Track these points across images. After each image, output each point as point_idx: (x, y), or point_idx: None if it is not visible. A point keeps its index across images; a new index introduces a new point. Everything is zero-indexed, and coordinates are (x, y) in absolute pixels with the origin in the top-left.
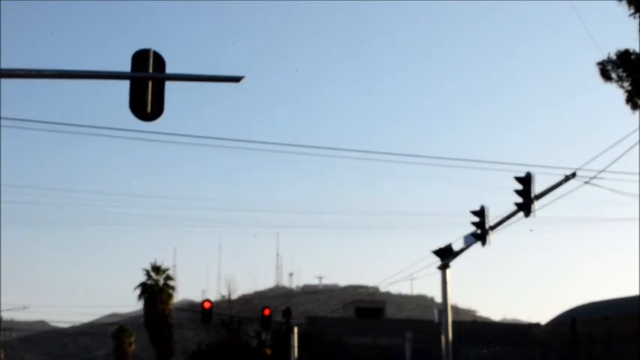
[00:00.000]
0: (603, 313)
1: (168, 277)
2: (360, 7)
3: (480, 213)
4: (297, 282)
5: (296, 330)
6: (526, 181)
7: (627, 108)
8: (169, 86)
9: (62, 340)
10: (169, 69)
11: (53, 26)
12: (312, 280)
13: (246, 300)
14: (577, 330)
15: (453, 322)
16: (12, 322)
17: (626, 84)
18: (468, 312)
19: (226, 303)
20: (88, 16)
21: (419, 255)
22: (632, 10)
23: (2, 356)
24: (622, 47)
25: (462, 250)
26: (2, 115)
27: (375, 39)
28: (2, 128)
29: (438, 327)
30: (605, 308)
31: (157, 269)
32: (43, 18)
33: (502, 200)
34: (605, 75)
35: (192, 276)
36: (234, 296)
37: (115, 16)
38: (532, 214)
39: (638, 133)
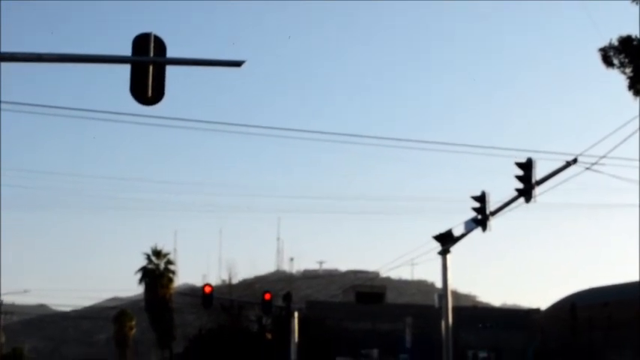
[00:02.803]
0: (603, 298)
1: (169, 262)
2: None
3: (481, 198)
4: (297, 267)
5: (296, 315)
6: (527, 166)
7: (629, 94)
8: (172, 71)
9: (63, 324)
10: (170, 54)
11: (54, 12)
12: (312, 265)
13: (247, 284)
14: (577, 315)
15: (454, 308)
16: (13, 305)
17: (628, 70)
18: (469, 297)
19: (227, 287)
20: (89, 1)
21: (419, 240)
22: None
23: (3, 340)
24: (624, 33)
25: (462, 236)
26: (1, 99)
27: (383, 24)
28: (4, 113)
29: (439, 312)
30: (605, 294)
31: (157, 253)
32: (44, 3)
33: (503, 186)
34: (607, 61)
35: (193, 260)
36: (234, 281)
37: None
38: (533, 199)
39: (639, 119)
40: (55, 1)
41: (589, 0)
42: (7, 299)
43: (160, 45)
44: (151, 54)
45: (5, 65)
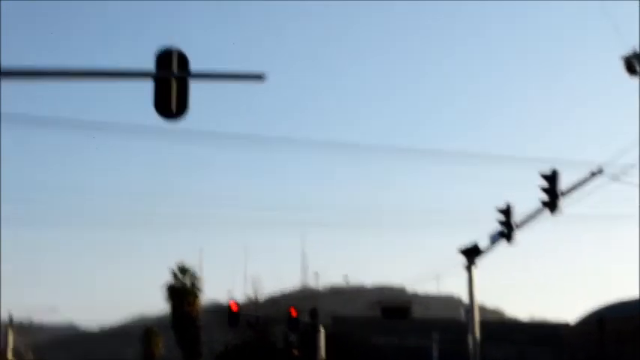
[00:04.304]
0: (632, 311)
1: (195, 278)
2: (387, 3)
3: (506, 211)
4: (323, 282)
5: (322, 330)
6: (551, 178)
7: None
8: (195, 84)
9: (91, 343)
10: (193, 68)
11: (71, 24)
12: (338, 280)
13: (273, 300)
14: (605, 329)
15: (480, 322)
16: (41, 324)
17: None
18: (495, 311)
19: (252, 304)
20: (107, 13)
21: (445, 254)
22: None
23: (32, 358)
24: None
25: (488, 249)
26: (20, 114)
27: (402, 34)
28: (28, 128)
29: (465, 326)
30: (634, 306)
31: (183, 270)
32: (61, 15)
33: (528, 197)
34: (631, 69)
35: (219, 276)
36: (260, 297)
37: (133, 13)
38: (558, 211)
39: None
40: (67, 15)
41: (612, 8)
42: (35, 318)
43: (183, 59)
44: (174, 69)
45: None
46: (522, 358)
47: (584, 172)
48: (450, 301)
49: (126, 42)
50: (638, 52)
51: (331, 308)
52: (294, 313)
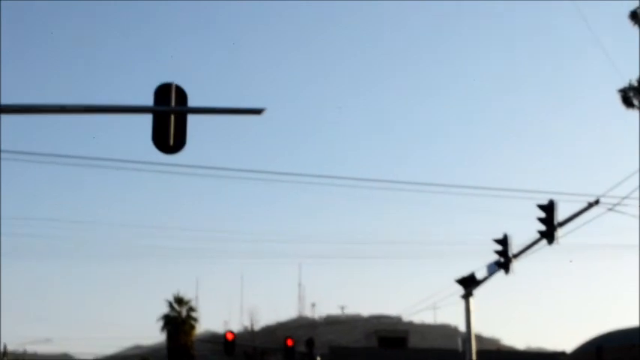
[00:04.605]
0: (630, 340)
1: (191, 309)
2: (384, 35)
3: (503, 241)
4: (319, 312)
5: None
6: (549, 208)
7: None
8: (192, 118)
9: None
10: (191, 102)
11: (70, 59)
12: (334, 310)
13: (269, 331)
14: (603, 358)
15: (477, 351)
16: (35, 355)
17: None
18: (492, 341)
19: (249, 334)
20: (106, 50)
21: (442, 284)
22: None
23: None
24: None
25: (485, 279)
26: (20, 150)
27: (398, 68)
28: (26, 162)
29: (462, 356)
30: (631, 335)
31: (179, 301)
32: (58, 50)
33: (525, 228)
34: (627, 102)
35: (215, 307)
36: (256, 327)
37: (131, 48)
38: (555, 241)
39: None
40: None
41: (608, 41)
42: (30, 348)
43: (182, 94)
44: (173, 103)
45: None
46: None
47: (581, 204)
48: (447, 331)
49: (125, 79)
50: (634, 85)
51: (328, 338)
52: (290, 343)
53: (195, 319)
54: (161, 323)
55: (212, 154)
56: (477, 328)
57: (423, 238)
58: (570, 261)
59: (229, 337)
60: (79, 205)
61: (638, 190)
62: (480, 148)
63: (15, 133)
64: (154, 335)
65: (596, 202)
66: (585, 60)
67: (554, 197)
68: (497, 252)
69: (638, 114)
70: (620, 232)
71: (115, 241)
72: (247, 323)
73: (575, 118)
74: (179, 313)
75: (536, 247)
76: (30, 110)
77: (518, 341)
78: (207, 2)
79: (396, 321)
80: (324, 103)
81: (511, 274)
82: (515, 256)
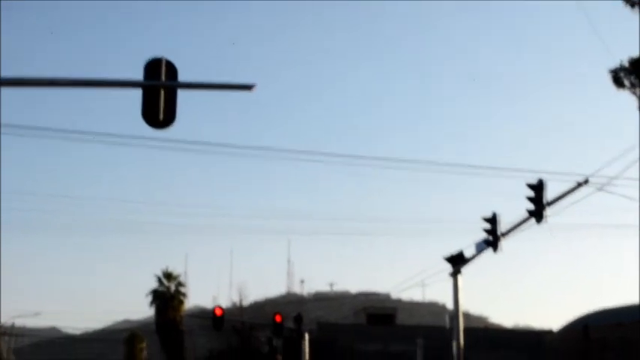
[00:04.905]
0: (616, 319)
1: (180, 284)
2: (373, 12)
3: (492, 220)
4: (308, 288)
5: (307, 336)
6: (538, 187)
7: (639, 114)
8: (182, 93)
9: (74, 347)
10: (181, 77)
11: (61, 34)
12: (323, 287)
13: (258, 306)
14: (590, 337)
15: (465, 329)
16: (23, 328)
17: (638, 91)
18: (480, 318)
19: (237, 309)
20: (97, 23)
21: (430, 261)
22: None
23: None
24: (635, 54)
25: (473, 257)
26: (17, 123)
27: (392, 46)
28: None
29: (450, 333)
30: (618, 314)
31: (168, 276)
32: (51, 25)
33: (514, 207)
34: (618, 82)
35: (204, 282)
36: (245, 303)
37: (123, 23)
38: (544, 220)
39: None
40: (62, 24)
41: (600, 21)
42: (18, 322)
43: (172, 69)
44: (163, 78)
45: (15, 89)
46: None
47: (570, 184)
48: (435, 308)
49: (116, 53)
50: (625, 66)
51: (316, 314)
52: (278, 319)
53: (184, 295)
54: (150, 298)
55: (202, 129)
56: (465, 305)
57: (413, 216)
58: (552, 235)
59: (218, 312)
60: (68, 180)
61: (626, 171)
62: (469, 127)
63: (3, 107)
64: (143, 310)
65: (586, 181)
66: (577, 41)
67: (544, 176)
68: (486, 230)
69: (628, 94)
70: (609, 212)
71: (104, 216)
72: (236, 299)
73: (566, 97)
74: (168, 288)
75: (524, 226)
76: (19, 83)
77: (505, 319)
78: None
79: (385, 298)
80: (315, 80)
81: (499, 253)
82: (504, 234)
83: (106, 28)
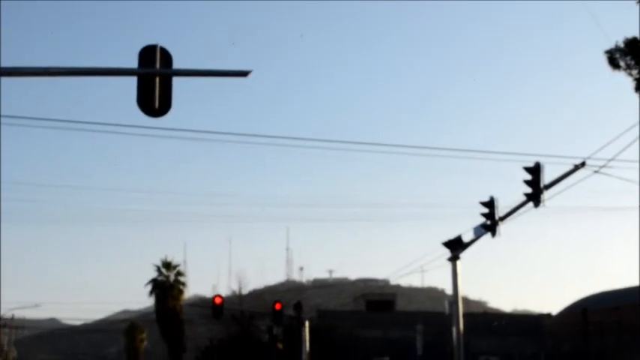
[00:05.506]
0: (614, 302)
1: (179, 273)
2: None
3: (490, 204)
4: (307, 276)
5: (307, 324)
6: (535, 171)
7: (636, 96)
8: (177, 82)
9: (74, 338)
10: (176, 65)
11: (56, 24)
12: (322, 274)
13: (257, 294)
14: (588, 320)
15: (464, 314)
16: (24, 320)
17: (634, 72)
18: (479, 303)
19: (237, 298)
20: (93, 13)
21: (429, 247)
22: None
23: (15, 354)
24: (630, 35)
25: (472, 242)
26: (13, 114)
27: (385, 33)
28: (21, 128)
29: (449, 319)
30: (616, 297)
31: (167, 265)
32: (48, 15)
33: (512, 191)
34: (614, 63)
35: (203, 271)
36: (244, 291)
37: (119, 13)
38: (541, 204)
39: None
40: (58, 14)
41: (593, 1)
42: (19, 313)
43: (166, 56)
44: (158, 66)
45: (12, 78)
46: (506, 349)
47: (567, 166)
48: (434, 294)
49: (111, 42)
50: (620, 47)
51: (316, 302)
52: (278, 307)
53: (183, 284)
54: (149, 288)
55: (198, 117)
56: (464, 291)
57: (411, 201)
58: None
59: (217, 301)
60: (65, 170)
61: (624, 152)
62: (466, 111)
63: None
64: (143, 300)
65: (583, 164)
66: (572, 23)
67: (541, 159)
68: (484, 215)
69: (624, 76)
70: (606, 194)
71: (103, 205)
72: (235, 287)
73: (562, 80)
74: (167, 277)
75: (522, 209)
76: (13, 73)
77: (504, 304)
78: None
79: (384, 284)
80: (315, 66)
81: (498, 237)
82: (502, 218)
83: (101, 17)
